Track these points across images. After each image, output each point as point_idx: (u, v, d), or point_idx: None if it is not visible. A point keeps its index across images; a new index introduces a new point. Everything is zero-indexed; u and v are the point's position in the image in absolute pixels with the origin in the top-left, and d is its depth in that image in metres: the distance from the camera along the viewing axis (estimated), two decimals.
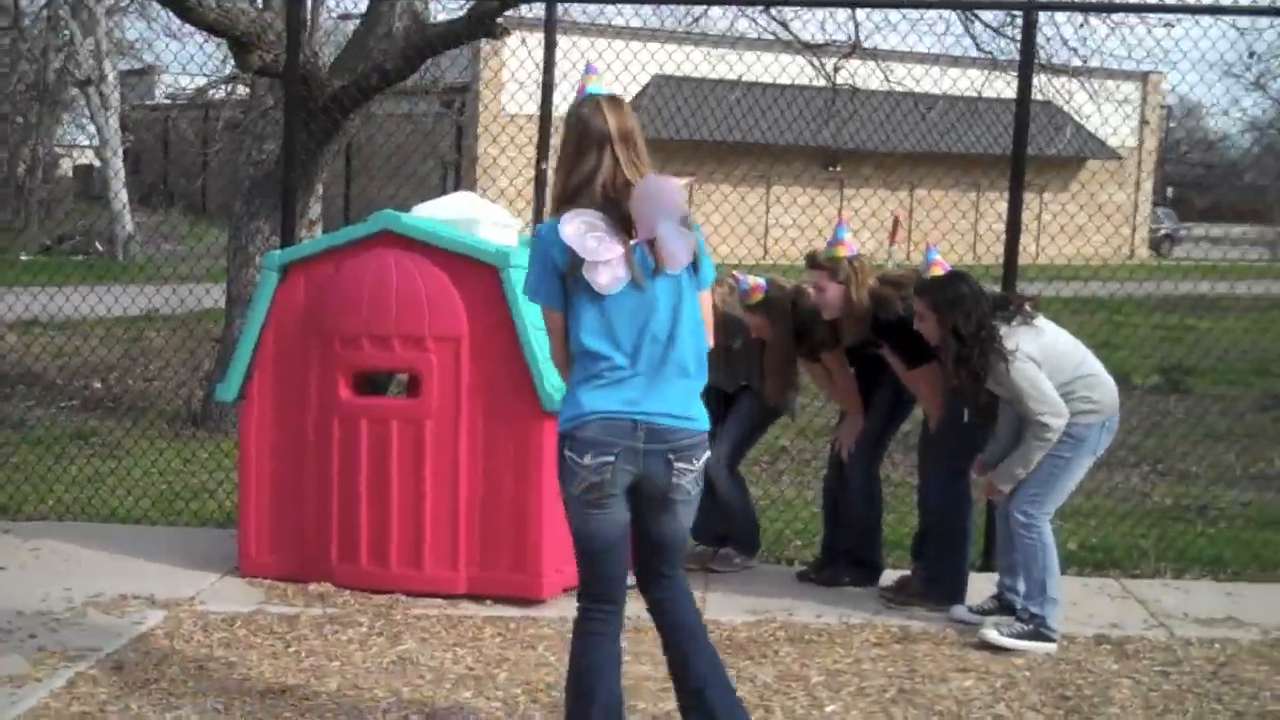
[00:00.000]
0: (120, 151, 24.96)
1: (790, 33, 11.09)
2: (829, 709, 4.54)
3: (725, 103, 25.34)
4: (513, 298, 5.46)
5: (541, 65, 7.06)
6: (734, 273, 6.15)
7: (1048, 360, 5.23)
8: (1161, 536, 7.14)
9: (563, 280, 3.67)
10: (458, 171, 26.80)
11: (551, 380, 5.42)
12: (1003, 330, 5.21)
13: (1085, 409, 5.26)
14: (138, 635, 5.09)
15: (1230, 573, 6.53)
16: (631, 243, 3.63)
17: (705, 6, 10.61)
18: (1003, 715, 4.55)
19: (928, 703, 4.63)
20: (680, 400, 3.71)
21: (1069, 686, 4.83)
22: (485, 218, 5.89)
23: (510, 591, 5.55)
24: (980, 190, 24.93)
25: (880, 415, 6.07)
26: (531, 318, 5.47)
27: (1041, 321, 5.34)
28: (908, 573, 5.92)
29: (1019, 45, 6.86)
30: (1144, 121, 30.75)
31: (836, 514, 6.20)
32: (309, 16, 10.91)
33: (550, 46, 7.00)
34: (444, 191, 26.52)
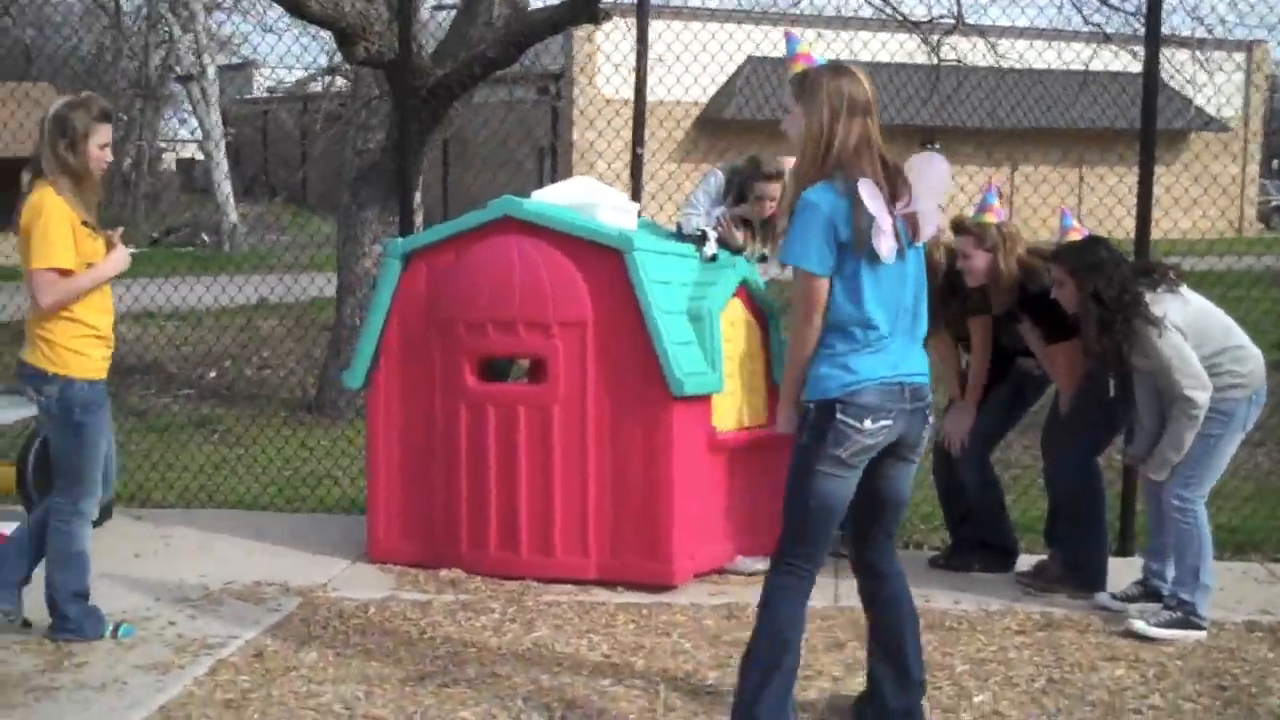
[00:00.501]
0: (222, 145, 25.34)
1: (898, 12, 10.89)
2: (978, 699, 4.42)
3: None
4: (638, 281, 5.39)
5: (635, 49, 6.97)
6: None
7: (1194, 331, 5.04)
8: None
9: (839, 248, 3.72)
10: (554, 157, 26.83)
11: (680, 365, 5.35)
12: (1148, 297, 5.03)
13: (1233, 383, 5.06)
14: (275, 622, 5.13)
15: None
16: (894, 213, 3.76)
17: None
18: (1158, 706, 4.39)
19: (1079, 692, 4.49)
20: (923, 360, 3.91)
21: (1224, 675, 4.66)
22: (605, 202, 5.84)
23: (642, 578, 5.49)
24: (1085, 166, 24.42)
25: (1000, 410, 5.91)
26: (659, 301, 5.41)
27: (1186, 291, 5.16)
28: (1044, 558, 5.77)
29: (1144, 15, 6.63)
30: (1271, 91, 29.93)
31: (952, 501, 6.07)
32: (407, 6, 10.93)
33: (643, 31, 6.92)
34: (541, 178, 26.64)
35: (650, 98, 7.02)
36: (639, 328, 5.40)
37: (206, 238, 24.93)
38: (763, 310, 6.01)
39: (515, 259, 5.53)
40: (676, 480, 5.39)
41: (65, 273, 4.62)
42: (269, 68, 28.72)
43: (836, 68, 3.84)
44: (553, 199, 5.83)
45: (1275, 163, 37.16)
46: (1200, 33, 10.76)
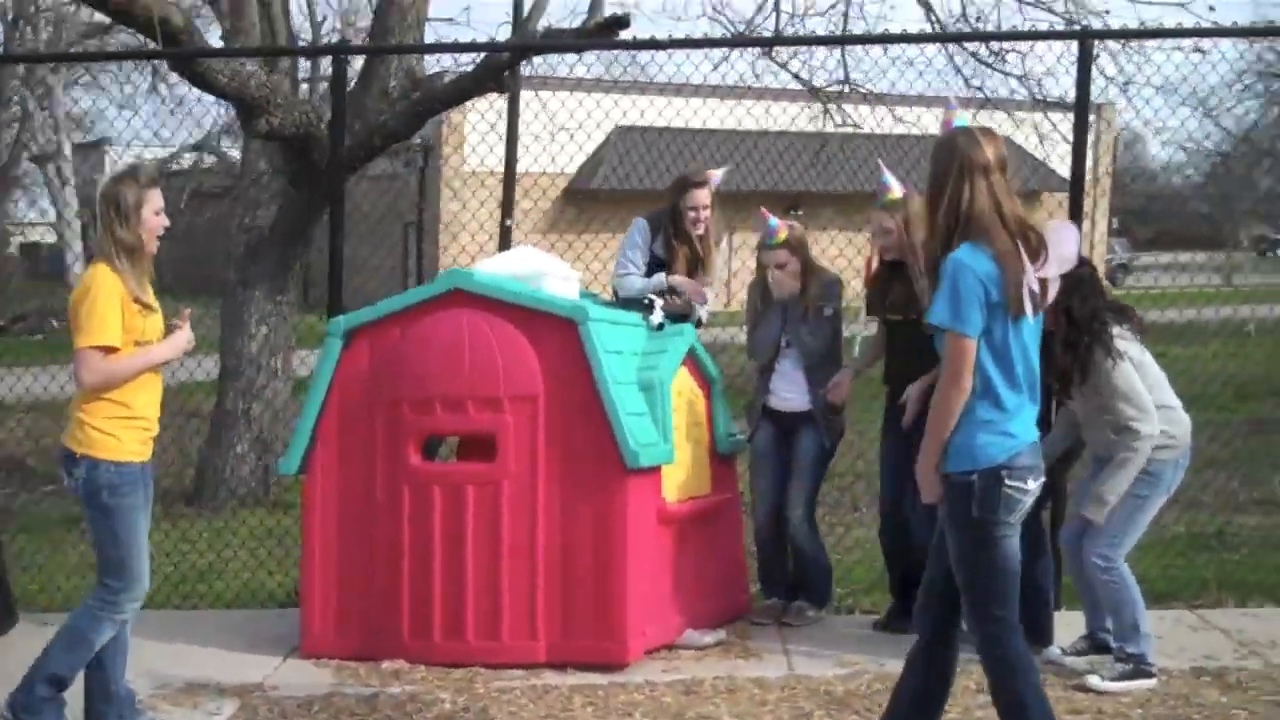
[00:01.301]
0: (77, 226, 24.50)
1: (800, 80, 11.07)
2: None
3: (686, 152, 25.37)
4: (592, 352, 5.30)
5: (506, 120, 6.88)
6: (762, 209, 6.12)
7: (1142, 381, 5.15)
8: (1190, 564, 7.08)
9: (989, 310, 3.73)
10: (419, 229, 26.52)
11: (635, 436, 5.26)
12: (1115, 331, 5.11)
13: (1165, 443, 5.17)
14: None
15: None
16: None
17: (727, 52, 10.45)
18: None
19: None
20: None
21: None
22: (550, 271, 5.77)
23: (593, 658, 5.34)
24: None
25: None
26: (613, 372, 5.31)
27: (1142, 343, 5.27)
28: None
29: (1074, 75, 6.56)
30: (1115, 152, 31.05)
31: (899, 561, 6.05)
32: (298, 77, 10.73)
33: (514, 101, 6.85)
34: (406, 250, 26.23)
35: (518, 168, 6.92)
36: (591, 399, 5.29)
37: (56, 323, 23.98)
38: (706, 379, 5.98)
39: (465, 333, 5.39)
40: (630, 555, 5.27)
41: (110, 350, 4.42)
42: (122, 145, 27.91)
43: (962, 131, 3.86)
44: (496, 269, 5.74)
45: (1115, 222, 38.57)
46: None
